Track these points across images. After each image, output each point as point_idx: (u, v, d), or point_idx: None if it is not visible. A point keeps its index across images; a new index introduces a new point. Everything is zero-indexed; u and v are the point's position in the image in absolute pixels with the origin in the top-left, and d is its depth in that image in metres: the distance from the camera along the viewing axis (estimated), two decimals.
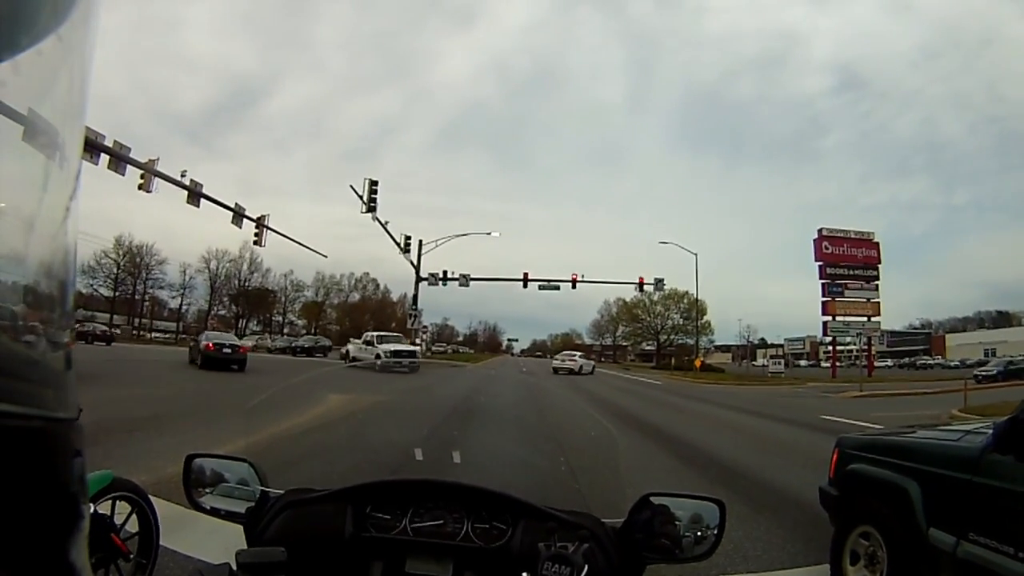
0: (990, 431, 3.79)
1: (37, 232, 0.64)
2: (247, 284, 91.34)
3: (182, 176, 34.27)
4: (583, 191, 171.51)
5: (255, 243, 42.72)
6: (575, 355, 55.95)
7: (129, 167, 30.76)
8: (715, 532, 1.89)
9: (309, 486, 2.07)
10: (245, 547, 1.77)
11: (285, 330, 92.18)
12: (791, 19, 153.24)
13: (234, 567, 1.53)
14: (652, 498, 1.90)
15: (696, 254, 60.22)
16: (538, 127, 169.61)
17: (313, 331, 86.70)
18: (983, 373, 45.64)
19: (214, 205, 37.08)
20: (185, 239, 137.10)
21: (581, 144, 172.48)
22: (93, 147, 28.33)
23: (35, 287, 0.65)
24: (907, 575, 4.10)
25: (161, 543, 4.01)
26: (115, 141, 29.93)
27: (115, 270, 79.92)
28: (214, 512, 2.01)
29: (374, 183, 44.12)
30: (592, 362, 60.31)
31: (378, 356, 35.11)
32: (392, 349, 36.62)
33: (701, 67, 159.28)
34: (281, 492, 2.00)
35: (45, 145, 0.64)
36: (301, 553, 1.73)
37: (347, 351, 45.03)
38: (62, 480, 0.64)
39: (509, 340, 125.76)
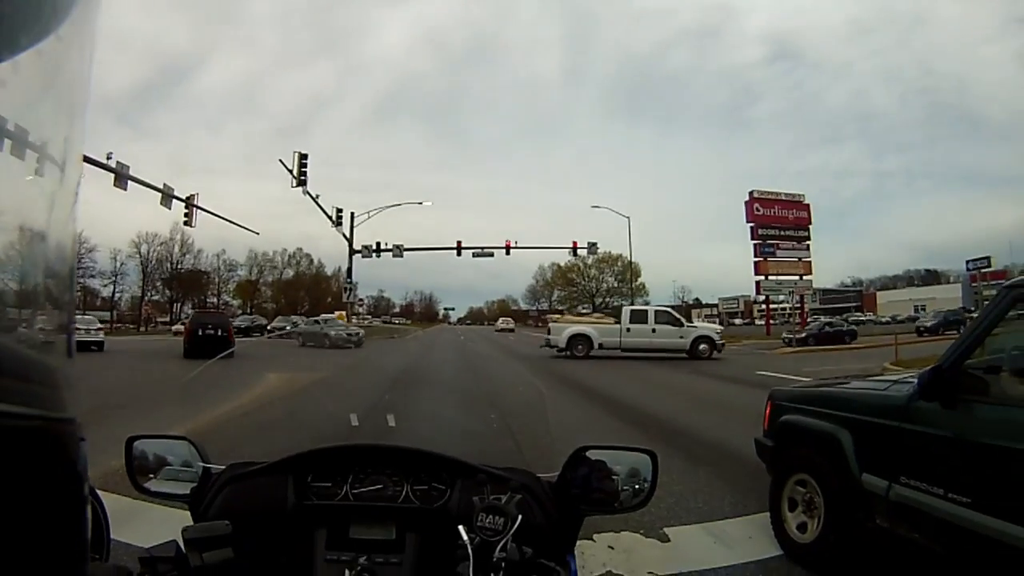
0: (915, 381, 3.93)
1: (37, 233, 0.63)
2: (179, 267, 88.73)
3: (108, 158, 33.15)
4: (519, 162, 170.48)
5: (185, 223, 41.94)
6: (510, 321, 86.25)
7: None
8: (650, 483, 1.95)
9: (250, 460, 2.05)
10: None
11: (220, 311, 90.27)
12: None
13: (181, 544, 1.50)
14: (587, 453, 1.94)
15: (628, 217, 61.14)
16: (474, 100, 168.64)
17: (249, 311, 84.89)
18: None
19: (142, 187, 36.03)
20: (114, 224, 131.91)
21: (517, 116, 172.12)
22: (21, 136, 27.39)
23: (34, 288, 0.65)
24: (843, 518, 4.29)
25: (112, 536, 3.93)
26: None
27: None
28: (160, 496, 2.00)
29: (304, 156, 43.24)
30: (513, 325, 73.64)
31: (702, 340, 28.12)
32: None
33: (636, 39, 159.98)
34: (222, 468, 1.99)
35: (45, 146, 0.64)
36: (246, 525, 1.70)
37: (558, 337, 29.14)
38: (62, 480, 0.64)
39: (446, 309, 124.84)
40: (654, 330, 28.91)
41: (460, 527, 1.60)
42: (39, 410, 0.59)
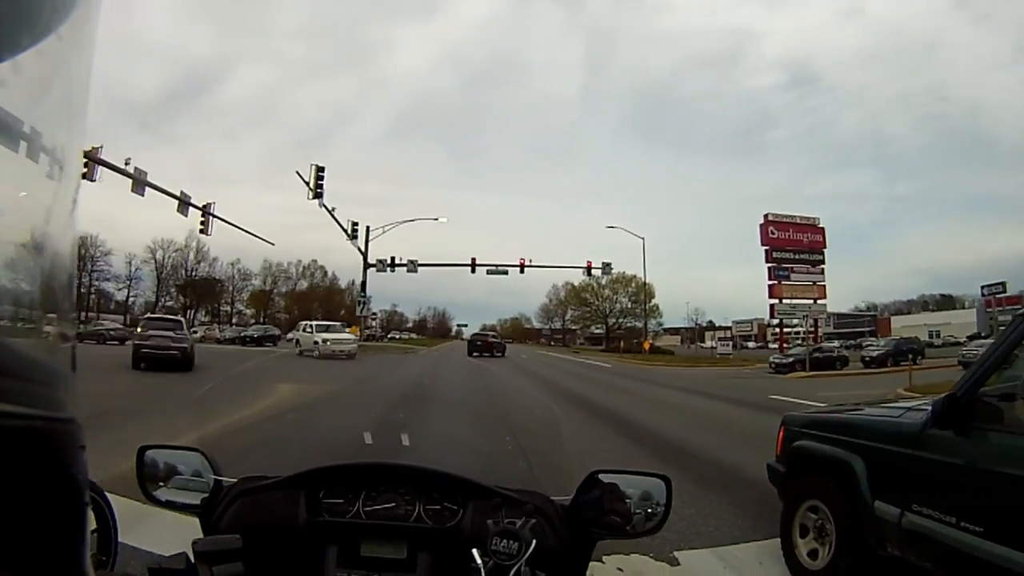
0: (929, 407, 3.91)
1: (37, 232, 0.63)
2: (194, 274, 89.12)
3: (126, 164, 33.49)
4: (536, 180, 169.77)
5: (201, 231, 42.08)
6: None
7: None
8: (663, 507, 1.94)
9: (262, 474, 2.06)
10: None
11: (234, 320, 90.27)
12: (744, 18, 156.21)
13: (191, 556, 1.52)
14: (600, 475, 1.94)
15: (643, 238, 60.87)
16: (492, 118, 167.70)
17: (262, 320, 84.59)
18: None
19: (160, 193, 36.36)
20: (130, 229, 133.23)
21: (535, 135, 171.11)
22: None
23: (36, 288, 0.65)
24: (854, 546, 4.24)
25: (120, 539, 3.95)
26: None
27: None
28: (169, 505, 2.00)
29: (320, 169, 43.25)
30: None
31: None
32: None
33: (654, 63, 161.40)
34: (234, 481, 1.99)
35: (46, 146, 0.64)
36: (257, 540, 1.71)
37: None
38: (63, 480, 0.64)
39: (458, 325, 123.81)
40: None
41: (474, 550, 1.61)
42: (39, 410, 0.60)
